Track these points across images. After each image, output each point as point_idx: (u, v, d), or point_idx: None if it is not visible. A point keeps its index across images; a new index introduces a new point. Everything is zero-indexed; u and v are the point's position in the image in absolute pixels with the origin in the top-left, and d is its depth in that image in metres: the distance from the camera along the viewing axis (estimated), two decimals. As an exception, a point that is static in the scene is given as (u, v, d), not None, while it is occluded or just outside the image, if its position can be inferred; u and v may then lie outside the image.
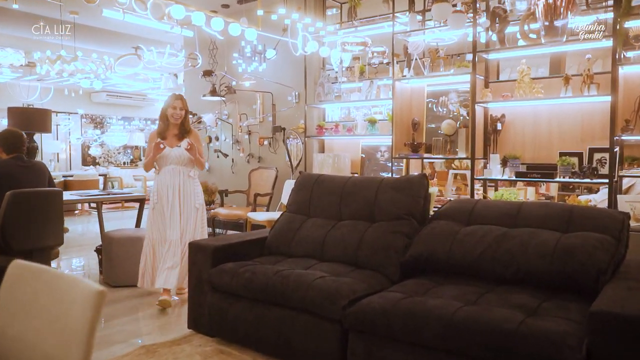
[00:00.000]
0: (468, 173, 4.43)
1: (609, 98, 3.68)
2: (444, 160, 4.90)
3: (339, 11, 5.69)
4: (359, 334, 2.26)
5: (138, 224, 4.90)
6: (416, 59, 4.72)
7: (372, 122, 5.17)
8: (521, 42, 4.19)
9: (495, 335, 1.88)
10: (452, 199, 4.72)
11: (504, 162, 4.17)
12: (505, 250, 2.40)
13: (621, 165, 3.78)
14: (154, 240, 3.68)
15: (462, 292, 2.27)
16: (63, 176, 9.66)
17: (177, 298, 3.77)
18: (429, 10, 4.77)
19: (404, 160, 5.00)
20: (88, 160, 12.93)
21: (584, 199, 4.17)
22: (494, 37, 4.35)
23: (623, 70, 3.75)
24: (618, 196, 3.68)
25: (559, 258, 2.26)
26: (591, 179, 3.76)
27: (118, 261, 4.07)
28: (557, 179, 3.89)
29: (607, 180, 3.69)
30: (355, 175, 5.37)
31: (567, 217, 2.47)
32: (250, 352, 2.73)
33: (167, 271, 3.56)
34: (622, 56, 3.68)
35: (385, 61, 5.24)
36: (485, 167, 4.40)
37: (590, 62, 3.92)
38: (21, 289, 1.24)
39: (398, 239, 2.78)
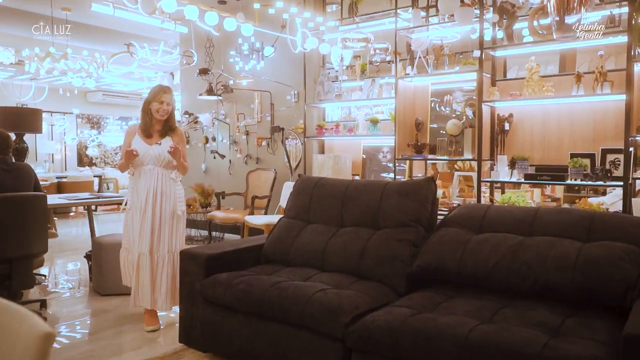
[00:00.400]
0: (473, 174, 4.25)
1: (623, 96, 3.52)
2: (446, 161, 4.72)
3: (340, 8, 5.51)
4: (362, 354, 2.07)
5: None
6: (420, 57, 4.54)
7: (374, 122, 5.00)
8: (528, 39, 4.01)
9: None
10: (457, 202, 4.55)
11: (512, 164, 4.00)
12: (522, 262, 2.21)
13: (635, 167, 3.61)
14: (126, 250, 3.27)
15: (476, 307, 2.08)
16: (57, 177, 9.46)
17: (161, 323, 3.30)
18: (433, 6, 4.60)
19: (407, 161, 4.83)
20: (85, 160, 12.72)
21: (596, 201, 3.98)
22: (500, 35, 4.18)
23: (638, 68, 3.58)
24: (633, 199, 3.50)
25: (581, 270, 2.07)
26: (604, 182, 3.59)
27: (108, 268, 3.82)
28: (568, 181, 3.72)
29: (621, 183, 3.53)
30: (357, 177, 5.19)
31: (588, 224, 2.28)
32: (246, 370, 2.54)
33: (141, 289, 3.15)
34: (637, 52, 3.51)
35: (387, 59, 5.06)
36: (492, 168, 4.22)
37: (603, 59, 3.74)
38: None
39: (404, 247, 2.59)
